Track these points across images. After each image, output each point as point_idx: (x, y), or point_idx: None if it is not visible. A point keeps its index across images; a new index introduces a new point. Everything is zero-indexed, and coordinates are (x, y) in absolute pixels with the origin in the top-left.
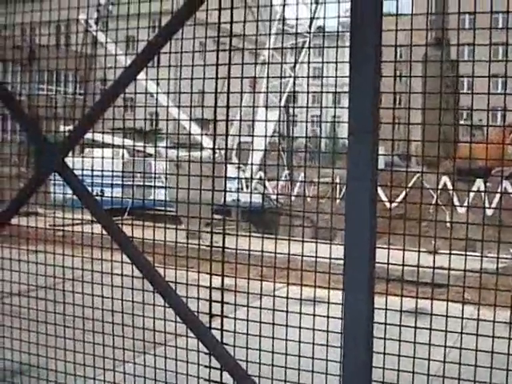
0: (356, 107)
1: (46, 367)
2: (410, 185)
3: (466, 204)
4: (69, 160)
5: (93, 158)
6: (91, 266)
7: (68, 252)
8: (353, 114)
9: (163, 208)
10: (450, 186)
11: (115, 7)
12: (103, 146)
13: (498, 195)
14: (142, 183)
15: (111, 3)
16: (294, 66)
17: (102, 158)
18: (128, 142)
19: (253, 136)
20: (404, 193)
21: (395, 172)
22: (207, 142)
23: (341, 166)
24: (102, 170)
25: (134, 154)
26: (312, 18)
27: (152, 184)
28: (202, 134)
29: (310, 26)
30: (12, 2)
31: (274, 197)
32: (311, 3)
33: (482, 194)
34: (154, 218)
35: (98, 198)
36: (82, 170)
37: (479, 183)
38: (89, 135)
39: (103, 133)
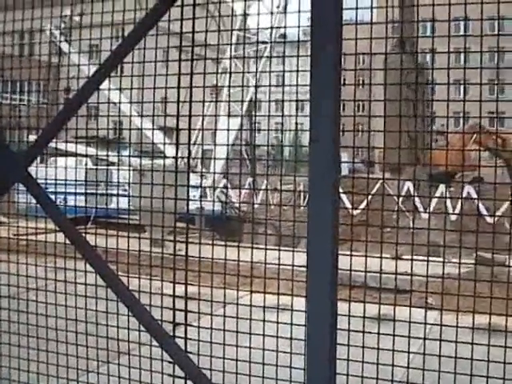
0: (317, 115)
1: (8, 378)
2: (373, 191)
3: (428, 210)
4: (33, 169)
5: (56, 167)
6: (54, 275)
7: (31, 261)
8: (314, 122)
9: (126, 216)
10: (413, 192)
11: (81, 17)
12: (67, 155)
13: (461, 202)
14: (104, 192)
15: (77, 14)
16: (256, 74)
17: (66, 167)
18: (92, 150)
19: (215, 144)
20: (367, 199)
21: (359, 178)
22: (170, 151)
23: (304, 173)
24: (66, 179)
25: (96, 163)
26: (272, 28)
27: (115, 192)
28: (164, 143)
29: (271, 34)
30: None
31: (236, 205)
32: (271, 12)
33: (445, 199)
34: (118, 226)
35: (61, 206)
36: (46, 179)
37: (442, 188)
38: (53, 144)
39: (66, 142)
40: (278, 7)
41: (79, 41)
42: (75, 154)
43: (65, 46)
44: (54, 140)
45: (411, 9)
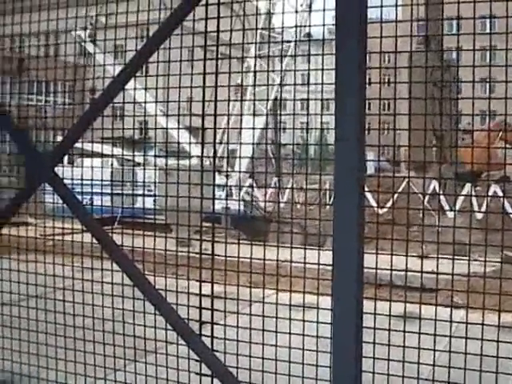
0: (342, 113)
1: (37, 376)
2: (399, 190)
3: (454, 208)
4: (60, 169)
5: (82, 167)
6: (82, 275)
7: (58, 261)
8: (339, 120)
9: (153, 216)
10: (438, 191)
11: (106, 18)
12: (93, 155)
13: (487, 201)
14: (131, 192)
15: (102, 14)
16: (281, 73)
17: (92, 167)
18: (118, 150)
19: (240, 143)
20: (392, 198)
21: (384, 177)
22: (195, 150)
23: (330, 172)
24: (92, 179)
25: (122, 163)
26: (296, 26)
27: (141, 192)
28: (190, 143)
29: (295, 33)
30: (0, 13)
31: (261, 204)
32: (296, 11)
33: (472, 198)
34: (144, 226)
35: (88, 206)
36: (72, 179)
37: (468, 188)
38: (79, 145)
39: (92, 142)
40: (301, 5)
41: (104, 41)
42: (101, 155)
43: (90, 47)
44: (81, 140)
45: (436, 6)
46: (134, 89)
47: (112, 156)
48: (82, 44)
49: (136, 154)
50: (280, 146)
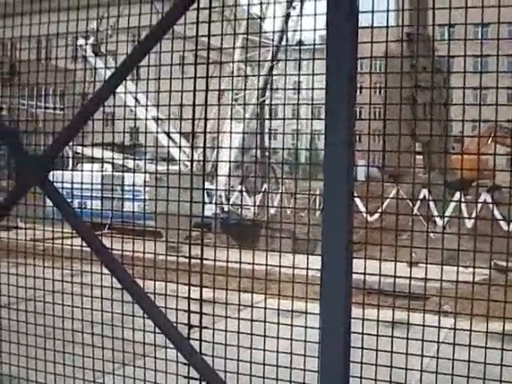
0: (332, 119)
1: (26, 378)
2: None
3: (443, 215)
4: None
5: (72, 171)
6: (71, 279)
7: (49, 265)
8: (329, 127)
9: (142, 220)
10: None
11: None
12: (93, 160)
13: (476, 209)
14: (121, 196)
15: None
16: (271, 79)
17: (82, 171)
18: (116, 155)
19: (230, 148)
20: (384, 204)
21: (376, 184)
22: (185, 156)
23: (320, 178)
24: (82, 183)
25: (112, 169)
26: (282, 31)
27: (131, 197)
28: (180, 147)
29: (281, 38)
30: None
31: (245, 212)
32: (287, 16)
33: (462, 207)
34: (134, 231)
35: (77, 210)
36: (62, 182)
37: (458, 196)
38: (78, 149)
39: (83, 146)
40: (294, 8)
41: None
42: (102, 160)
43: (92, 59)
44: (79, 145)
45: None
46: (125, 93)
47: (103, 161)
48: (84, 54)
49: (128, 159)
50: (266, 152)
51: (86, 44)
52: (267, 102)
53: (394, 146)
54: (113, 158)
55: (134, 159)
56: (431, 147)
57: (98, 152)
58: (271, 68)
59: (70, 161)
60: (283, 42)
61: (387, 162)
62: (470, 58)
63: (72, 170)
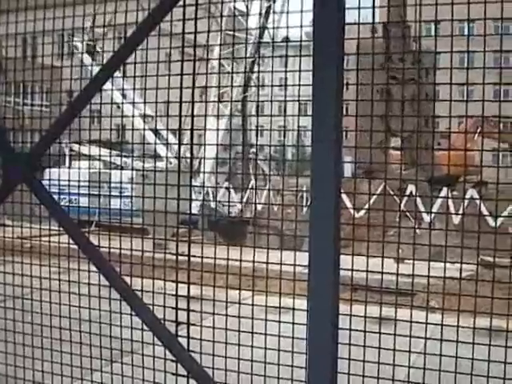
0: (319, 116)
1: (14, 376)
2: (377, 193)
3: (430, 210)
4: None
5: (59, 168)
6: (59, 276)
7: (36, 263)
8: (316, 123)
9: (129, 217)
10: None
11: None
12: (80, 157)
13: (463, 205)
14: (108, 193)
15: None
16: (254, 75)
17: (69, 167)
18: (105, 152)
19: (217, 145)
20: (369, 202)
21: (362, 181)
22: (171, 152)
23: (307, 175)
24: (69, 180)
25: (103, 166)
26: (264, 27)
27: (120, 194)
28: (167, 144)
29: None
30: None
31: (226, 209)
32: (267, 11)
33: (448, 203)
34: (121, 229)
35: (67, 206)
36: (49, 180)
37: (445, 192)
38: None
39: (86, 144)
40: (269, 4)
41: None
42: (93, 157)
43: (87, 60)
44: (72, 142)
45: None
46: (112, 90)
47: (101, 158)
48: (79, 55)
49: (113, 155)
50: (250, 148)
51: (82, 42)
52: (253, 98)
53: (368, 142)
54: (100, 155)
55: (121, 156)
56: (412, 143)
57: (92, 149)
58: (253, 63)
59: (67, 158)
60: (268, 39)
61: (362, 158)
62: (455, 53)
63: (69, 168)
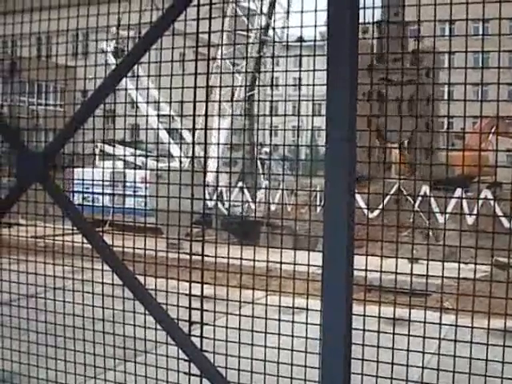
0: (333, 116)
1: (28, 375)
2: (390, 193)
3: (445, 211)
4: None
5: (74, 167)
6: (72, 275)
7: (50, 262)
8: (330, 123)
9: (143, 216)
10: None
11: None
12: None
13: (477, 206)
14: (126, 194)
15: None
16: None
17: (83, 167)
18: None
19: (231, 145)
20: (382, 201)
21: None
22: (185, 152)
23: (320, 175)
24: (83, 180)
25: (124, 166)
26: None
27: (134, 193)
28: (181, 143)
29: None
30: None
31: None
32: (288, 12)
33: (463, 204)
34: (135, 227)
35: (82, 205)
36: (63, 179)
37: (459, 193)
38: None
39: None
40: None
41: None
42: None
43: (111, 59)
44: (101, 142)
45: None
46: (126, 89)
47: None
48: (107, 58)
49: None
50: (270, 148)
51: (108, 47)
52: (266, 97)
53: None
54: (113, 154)
55: (135, 156)
56: (413, 146)
57: (115, 149)
58: (257, 61)
59: (96, 158)
60: (282, 38)
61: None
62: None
63: (93, 168)
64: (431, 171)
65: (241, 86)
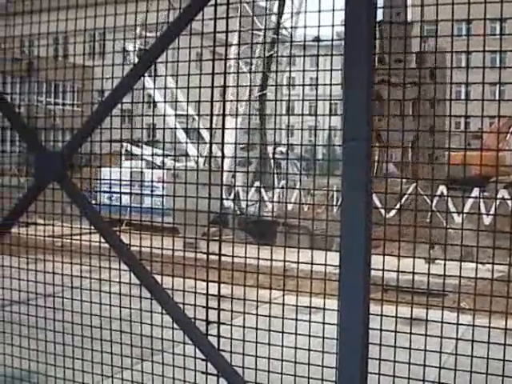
0: (350, 115)
1: (45, 373)
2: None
3: (462, 211)
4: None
5: (95, 167)
6: (90, 275)
7: (68, 261)
8: (347, 122)
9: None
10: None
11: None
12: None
13: (495, 206)
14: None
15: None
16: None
17: (100, 166)
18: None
19: (248, 144)
20: (400, 201)
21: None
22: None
23: (338, 175)
24: (100, 179)
25: (146, 165)
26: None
27: (151, 193)
28: (198, 143)
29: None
30: (11, 14)
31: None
32: (305, 12)
33: (479, 204)
34: (152, 227)
35: (98, 204)
36: (81, 178)
37: (476, 193)
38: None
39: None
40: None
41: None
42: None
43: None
44: (127, 142)
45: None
46: (143, 89)
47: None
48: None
49: (146, 154)
50: (288, 148)
51: (134, 48)
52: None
53: None
54: (131, 153)
55: (152, 155)
56: (416, 148)
57: (142, 150)
58: (268, 61)
59: (122, 158)
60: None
61: None
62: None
63: (120, 167)
64: (465, 171)
65: (256, 86)
